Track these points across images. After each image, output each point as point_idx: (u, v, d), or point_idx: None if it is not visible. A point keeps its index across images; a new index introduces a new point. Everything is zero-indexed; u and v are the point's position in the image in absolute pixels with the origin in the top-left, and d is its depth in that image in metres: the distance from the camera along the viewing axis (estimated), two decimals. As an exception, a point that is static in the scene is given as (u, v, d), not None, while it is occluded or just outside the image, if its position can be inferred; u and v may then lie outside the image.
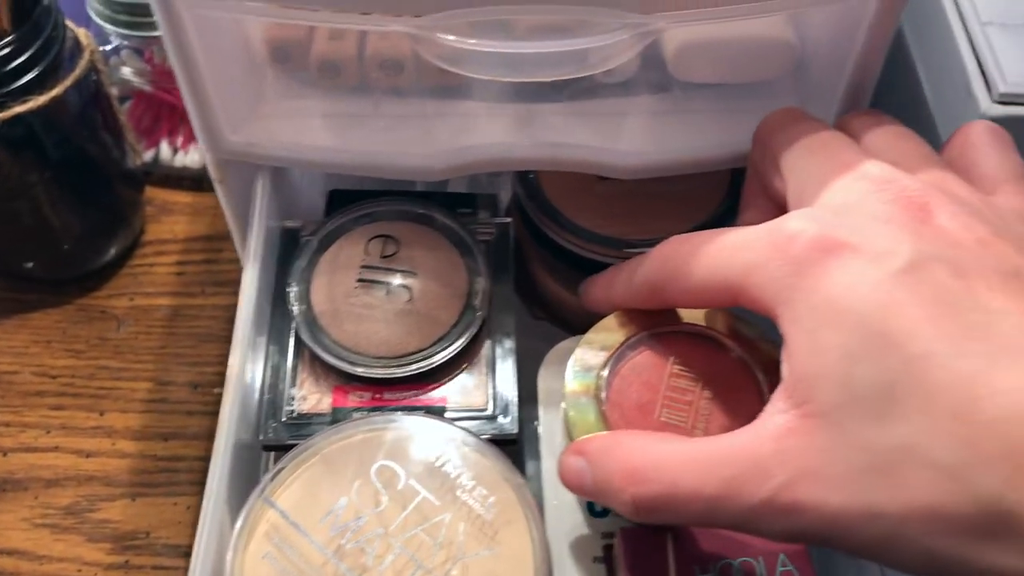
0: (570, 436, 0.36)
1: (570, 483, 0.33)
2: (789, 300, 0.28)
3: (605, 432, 0.34)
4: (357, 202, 0.42)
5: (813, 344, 0.28)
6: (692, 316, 0.37)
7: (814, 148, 0.32)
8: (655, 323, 0.37)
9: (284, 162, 0.40)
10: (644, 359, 0.37)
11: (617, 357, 0.37)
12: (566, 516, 0.38)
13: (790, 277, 0.28)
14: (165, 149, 0.60)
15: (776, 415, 0.28)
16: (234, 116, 0.39)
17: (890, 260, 0.27)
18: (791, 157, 0.33)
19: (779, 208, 0.33)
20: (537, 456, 0.40)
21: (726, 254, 0.31)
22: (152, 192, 0.61)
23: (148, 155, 0.60)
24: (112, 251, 0.58)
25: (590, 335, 0.38)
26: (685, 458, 0.30)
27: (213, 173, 0.41)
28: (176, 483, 0.52)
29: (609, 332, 0.37)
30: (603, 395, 0.36)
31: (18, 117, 0.48)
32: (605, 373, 0.36)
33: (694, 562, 0.34)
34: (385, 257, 0.41)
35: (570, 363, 0.37)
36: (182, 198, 0.61)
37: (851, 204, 0.29)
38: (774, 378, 0.35)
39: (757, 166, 0.35)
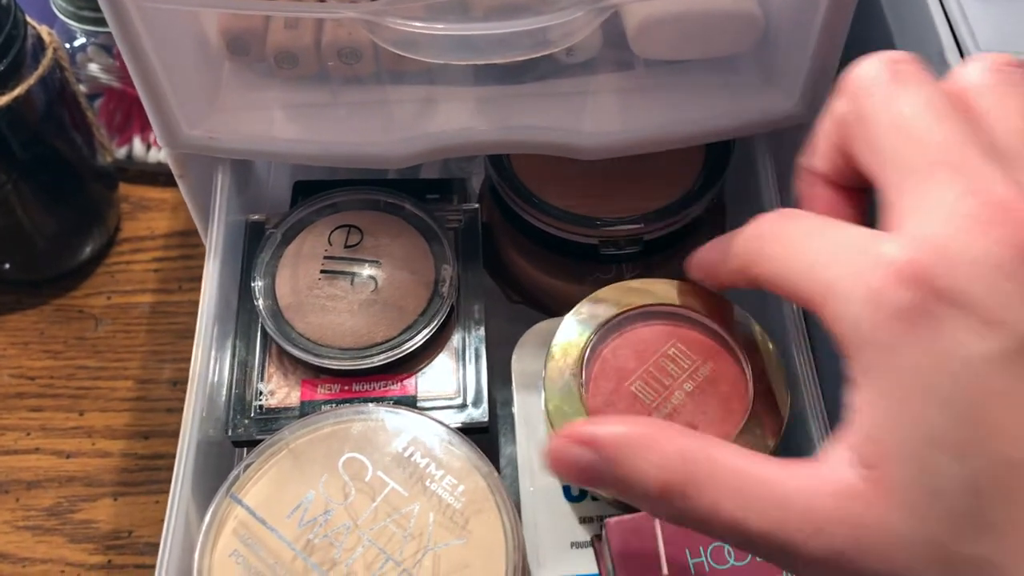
0: (545, 375, 0.37)
1: (568, 474, 0.28)
2: (870, 350, 0.24)
3: (616, 417, 0.32)
4: (322, 192, 0.42)
5: (893, 411, 0.23)
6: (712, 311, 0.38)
7: (925, 139, 0.25)
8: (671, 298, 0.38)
9: (245, 155, 0.40)
10: (650, 332, 0.37)
11: (625, 319, 0.37)
12: (542, 502, 0.38)
13: (876, 324, 0.23)
14: (138, 145, 0.60)
15: (840, 466, 0.24)
16: (191, 110, 0.39)
17: (1004, 334, 0.22)
18: (892, 138, 0.26)
19: (853, 172, 0.28)
20: (513, 441, 0.40)
21: (809, 260, 0.26)
22: (127, 189, 0.61)
23: (121, 152, 0.60)
24: (88, 249, 0.57)
25: (605, 293, 0.38)
26: (732, 481, 0.25)
27: (173, 168, 0.40)
28: (157, 481, 0.51)
29: (622, 296, 0.38)
30: (592, 346, 0.37)
31: (-18, 118, 0.48)
32: (606, 325, 0.37)
33: (685, 545, 0.33)
34: (349, 247, 0.40)
35: (573, 311, 0.38)
36: (158, 194, 0.61)
37: (968, 240, 0.23)
38: (764, 398, 0.36)
39: (841, 122, 0.28)
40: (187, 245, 0.59)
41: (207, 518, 0.35)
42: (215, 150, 0.39)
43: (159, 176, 0.61)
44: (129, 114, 0.60)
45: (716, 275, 0.33)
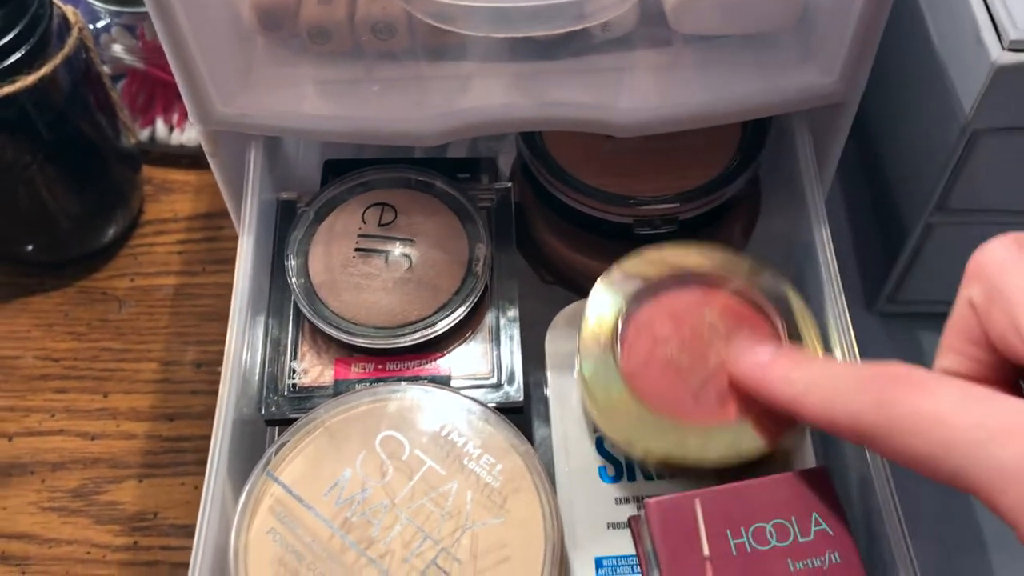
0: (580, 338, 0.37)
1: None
2: None
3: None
4: (353, 171, 0.41)
5: None
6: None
7: None
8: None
9: (277, 131, 0.40)
10: (684, 297, 0.38)
11: (659, 284, 0.38)
12: (578, 482, 0.37)
13: None
14: (161, 127, 0.59)
15: None
16: (224, 87, 0.38)
17: None
18: None
19: (1000, 366, 0.27)
20: (546, 422, 0.39)
21: (966, 437, 0.24)
22: (150, 171, 0.61)
23: (144, 134, 0.60)
24: (111, 232, 0.57)
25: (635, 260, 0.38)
26: None
27: (205, 146, 0.40)
28: (182, 463, 0.51)
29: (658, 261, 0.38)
30: (626, 312, 0.37)
31: (8, 97, 0.48)
32: (641, 291, 0.37)
33: (726, 526, 0.33)
34: (383, 225, 0.40)
35: (604, 277, 0.38)
36: (181, 176, 0.61)
37: None
38: None
39: (977, 308, 0.27)
40: (210, 227, 0.59)
41: (243, 496, 0.34)
42: (247, 127, 0.39)
43: (182, 159, 0.61)
44: (152, 95, 0.59)
45: (802, 413, 0.30)
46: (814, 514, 0.33)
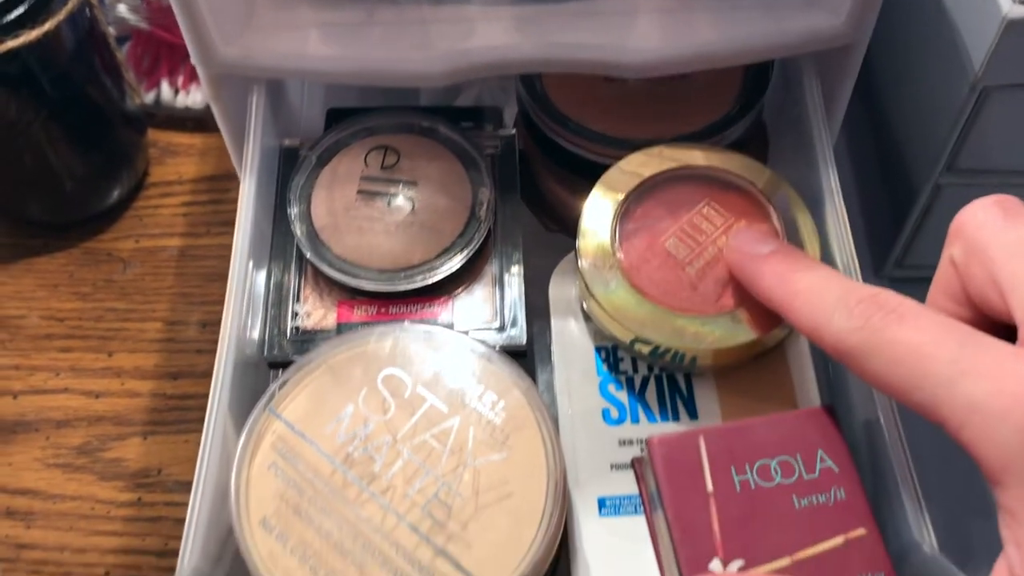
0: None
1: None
2: None
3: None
4: (356, 116, 0.41)
5: None
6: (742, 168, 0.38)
7: None
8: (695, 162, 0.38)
9: (279, 73, 0.39)
10: (683, 192, 0.38)
11: (658, 181, 0.38)
12: (581, 424, 0.37)
13: None
14: (166, 89, 0.59)
15: None
16: (226, 28, 0.38)
17: None
18: (1017, 263, 0.26)
19: (980, 322, 0.27)
20: (550, 368, 0.39)
21: (949, 371, 0.24)
22: (155, 134, 0.61)
23: (150, 96, 0.59)
24: (116, 193, 0.57)
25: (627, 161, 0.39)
26: None
27: (208, 90, 0.40)
28: (186, 421, 0.51)
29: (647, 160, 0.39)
30: (625, 207, 0.38)
31: (12, 53, 0.48)
32: (640, 187, 0.38)
33: (730, 463, 0.33)
34: (385, 168, 0.40)
35: (603, 178, 0.38)
36: (186, 139, 0.61)
37: None
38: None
39: (957, 265, 0.28)
40: (215, 190, 0.59)
41: (245, 432, 0.34)
42: (250, 69, 0.39)
43: (187, 121, 0.61)
44: (157, 58, 0.59)
45: (808, 330, 0.30)
46: (819, 451, 0.33)
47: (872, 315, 0.27)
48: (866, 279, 0.54)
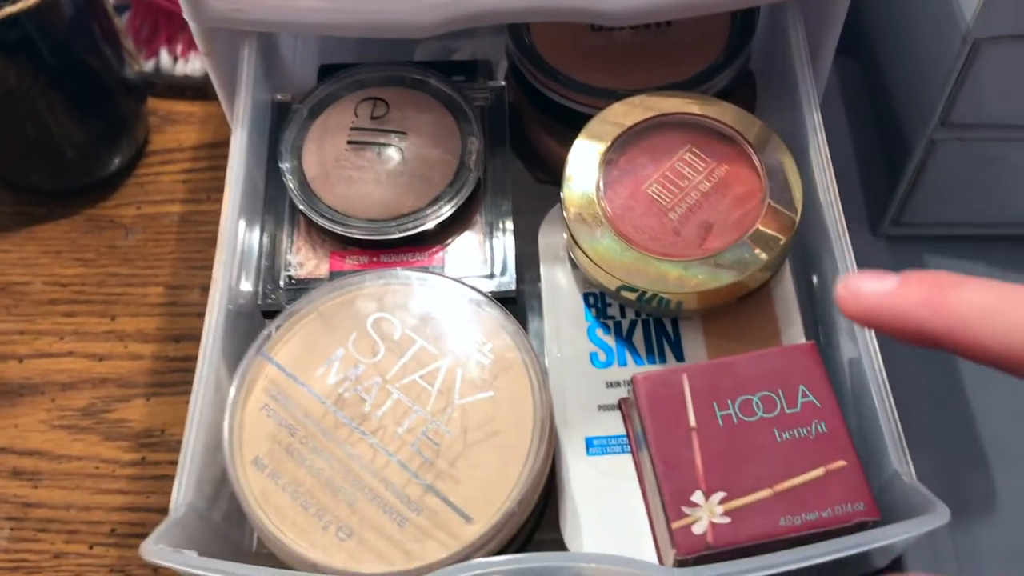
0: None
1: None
2: None
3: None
4: (347, 69, 0.42)
5: None
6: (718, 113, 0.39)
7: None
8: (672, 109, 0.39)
9: (270, 26, 0.40)
10: (665, 139, 0.39)
11: (640, 129, 0.39)
12: (568, 367, 0.38)
13: None
14: (165, 58, 0.60)
15: None
16: (217, -19, 0.39)
17: None
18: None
19: None
20: (539, 316, 0.40)
21: None
22: (155, 104, 0.61)
23: (149, 65, 0.60)
24: (116, 161, 0.58)
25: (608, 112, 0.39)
26: None
27: (200, 45, 0.40)
28: (189, 382, 0.50)
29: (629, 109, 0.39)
30: (609, 156, 0.38)
31: (11, 19, 0.48)
32: (622, 136, 0.39)
33: (712, 398, 0.33)
34: (375, 119, 0.40)
35: (585, 129, 0.39)
36: (186, 108, 0.61)
37: None
38: (779, 194, 0.37)
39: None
40: (215, 157, 0.59)
41: (238, 376, 0.35)
42: (241, 22, 0.39)
43: (187, 90, 0.61)
44: (156, 26, 0.60)
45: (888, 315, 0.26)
46: (801, 386, 0.34)
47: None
48: (863, 238, 0.54)
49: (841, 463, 0.32)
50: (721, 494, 0.31)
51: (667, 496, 0.32)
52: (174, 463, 0.49)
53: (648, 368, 0.38)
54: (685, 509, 0.31)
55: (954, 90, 0.44)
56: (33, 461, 0.50)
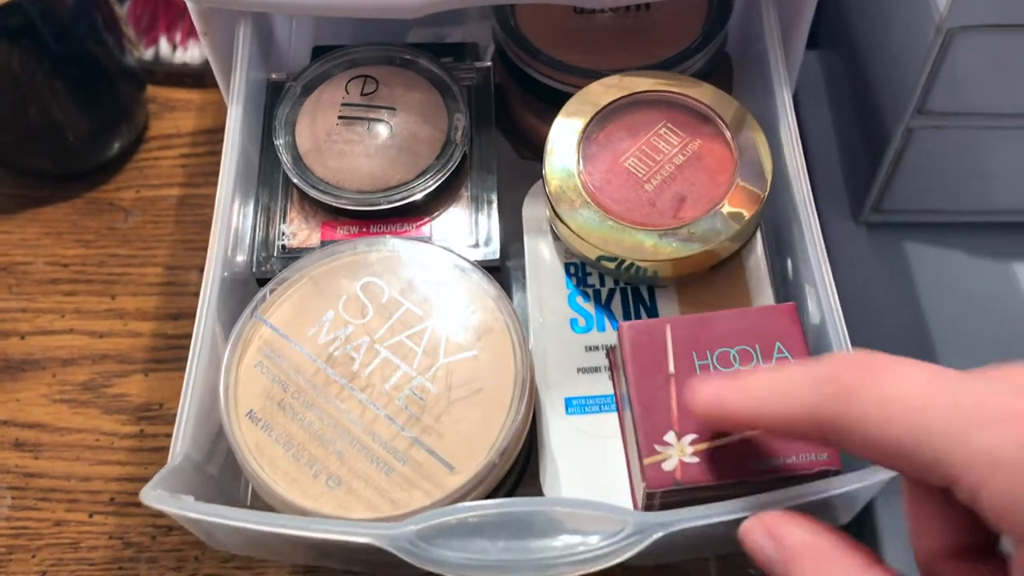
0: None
1: (750, 553, 0.27)
2: None
3: (807, 522, 0.27)
4: (339, 49, 0.43)
5: None
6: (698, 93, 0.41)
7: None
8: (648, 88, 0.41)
9: (264, 7, 0.42)
10: (642, 115, 0.41)
11: (618, 107, 0.41)
12: (550, 332, 0.39)
13: None
14: (164, 46, 0.61)
15: None
16: (213, -36, 0.40)
17: None
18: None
19: (962, 525, 0.25)
20: (523, 288, 0.41)
21: (943, 422, 0.22)
22: (155, 91, 0.63)
23: (148, 53, 0.62)
24: (116, 146, 0.59)
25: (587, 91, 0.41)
26: None
27: (197, 25, 0.42)
28: (186, 358, 0.53)
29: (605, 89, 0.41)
30: (587, 132, 0.40)
31: (14, 5, 0.50)
32: (600, 113, 0.41)
33: (692, 349, 0.35)
34: (365, 95, 0.42)
35: (564, 108, 0.41)
36: (184, 95, 0.63)
37: None
38: (750, 168, 0.39)
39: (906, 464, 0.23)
40: (213, 142, 0.61)
41: (233, 336, 0.37)
42: (237, 3, 0.41)
43: (185, 77, 0.63)
44: (155, 15, 0.61)
45: (760, 419, 0.27)
46: (777, 343, 0.35)
47: (850, 378, 0.24)
48: (844, 225, 0.56)
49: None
50: (693, 436, 0.33)
51: (641, 435, 0.33)
52: (171, 435, 0.51)
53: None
54: (657, 447, 0.33)
55: (929, 79, 0.44)
56: (35, 433, 0.51)
